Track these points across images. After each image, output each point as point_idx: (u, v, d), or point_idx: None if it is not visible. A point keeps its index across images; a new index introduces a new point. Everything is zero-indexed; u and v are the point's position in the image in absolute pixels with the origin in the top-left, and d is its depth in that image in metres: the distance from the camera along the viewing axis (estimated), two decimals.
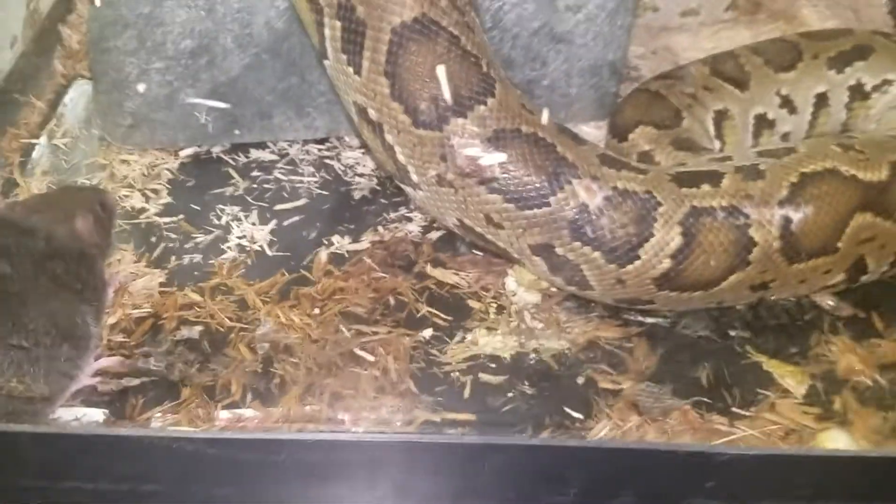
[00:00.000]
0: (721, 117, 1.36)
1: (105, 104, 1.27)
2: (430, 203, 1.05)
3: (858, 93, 1.40)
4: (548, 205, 0.97)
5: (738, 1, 1.70)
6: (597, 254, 0.97)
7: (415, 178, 1.03)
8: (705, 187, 1.01)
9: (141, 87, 1.20)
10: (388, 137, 1.01)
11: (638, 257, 0.97)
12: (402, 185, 1.08)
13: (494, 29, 1.24)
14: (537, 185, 0.97)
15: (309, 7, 1.04)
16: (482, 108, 0.97)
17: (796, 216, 0.99)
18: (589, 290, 1.03)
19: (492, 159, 0.96)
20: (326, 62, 1.07)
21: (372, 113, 1.01)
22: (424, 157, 0.99)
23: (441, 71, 0.97)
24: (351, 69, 1.01)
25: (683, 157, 1.22)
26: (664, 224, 0.97)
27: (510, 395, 0.99)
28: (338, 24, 1.01)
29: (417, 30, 0.96)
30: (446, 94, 0.96)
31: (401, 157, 1.02)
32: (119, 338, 1.04)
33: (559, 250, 0.99)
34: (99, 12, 1.18)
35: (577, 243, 0.97)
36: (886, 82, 1.39)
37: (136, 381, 0.99)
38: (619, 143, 1.29)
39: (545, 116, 1.01)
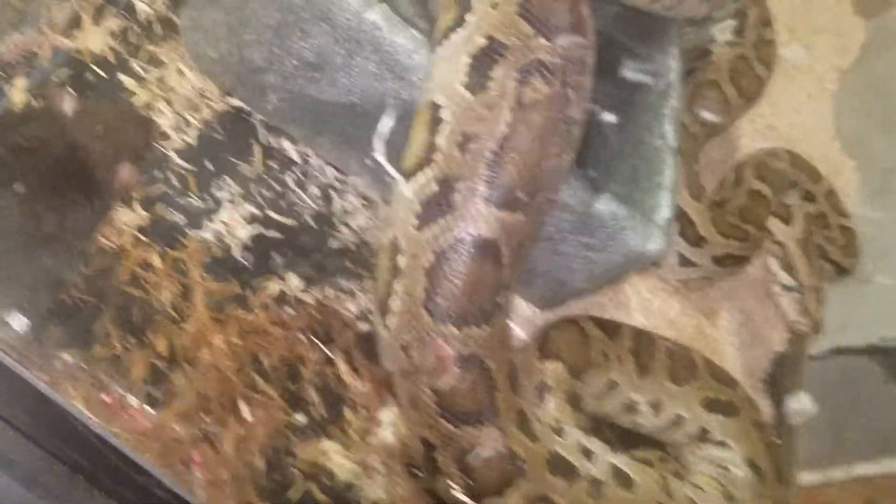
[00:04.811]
0: (609, 387, 1.58)
1: (197, 20, 1.26)
2: (385, 345, 1.18)
3: (702, 434, 1.68)
4: (458, 427, 1.13)
5: (690, 282, 1.93)
6: (460, 481, 1.16)
7: (389, 323, 1.15)
8: (561, 482, 1.22)
9: (247, 51, 1.21)
10: (398, 287, 1.13)
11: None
12: (376, 313, 1.19)
13: None
14: (463, 411, 1.13)
15: (424, 142, 1.12)
16: (475, 330, 1.11)
17: None
18: (434, 487, 1.22)
19: (451, 373, 1.11)
20: (397, 186, 1.15)
21: (401, 259, 1.12)
22: (410, 325, 1.12)
23: (471, 286, 1.10)
24: (415, 220, 1.11)
25: (566, 412, 1.44)
26: (518, 495, 1.17)
27: None
28: (433, 185, 1.09)
29: (479, 249, 1.08)
30: (457, 305, 1.10)
31: (393, 305, 1.14)
32: None
33: (438, 458, 1.16)
34: None
35: (455, 466, 1.15)
36: (723, 444, 1.67)
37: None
38: (538, 359, 1.48)
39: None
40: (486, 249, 1.11)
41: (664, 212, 1.46)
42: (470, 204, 1.10)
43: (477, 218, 1.11)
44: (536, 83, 1.11)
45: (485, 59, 1.12)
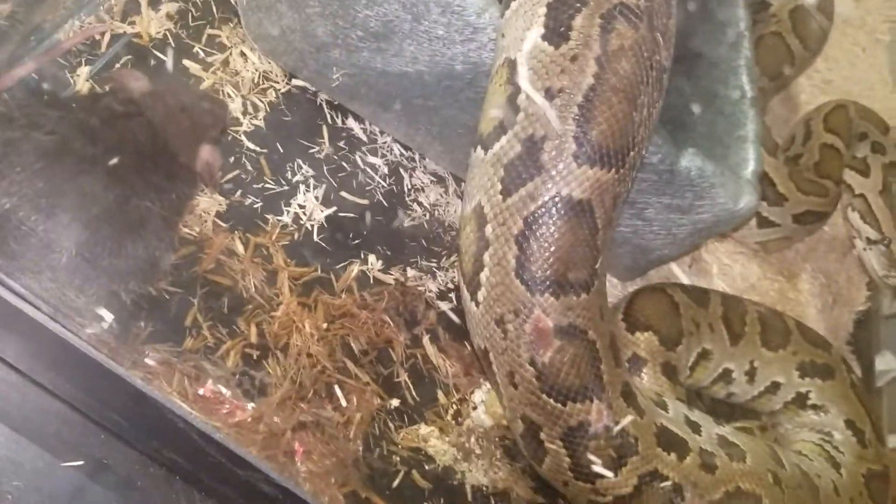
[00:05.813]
0: (702, 357, 1.51)
1: None
2: (475, 321, 1.12)
3: (800, 400, 1.60)
4: (563, 405, 1.07)
5: (769, 243, 1.85)
6: (567, 460, 1.09)
7: (480, 298, 1.09)
8: (672, 456, 1.15)
9: (311, 26, 1.16)
10: (486, 256, 1.07)
11: (592, 483, 1.10)
12: (463, 289, 1.14)
13: None
14: (567, 386, 1.07)
15: (503, 102, 1.06)
16: (574, 298, 1.05)
17: None
18: (538, 467, 1.15)
19: (552, 346, 1.05)
20: (475, 153, 1.09)
21: (489, 229, 1.06)
22: (503, 297, 1.06)
23: (566, 251, 1.03)
24: (499, 185, 1.05)
25: (663, 385, 1.37)
26: (629, 471, 1.10)
27: None
28: (517, 146, 1.03)
29: (572, 211, 1.02)
30: (553, 272, 1.03)
31: (482, 277, 1.08)
32: None
33: (543, 437, 1.10)
34: None
35: (562, 445, 1.09)
36: (823, 408, 1.59)
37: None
38: (626, 331, 1.41)
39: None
40: (580, 211, 1.05)
41: (752, 165, 1.38)
42: (559, 163, 1.04)
43: (567, 177, 1.04)
44: (622, 28, 1.04)
45: (563, 8, 1.05)
